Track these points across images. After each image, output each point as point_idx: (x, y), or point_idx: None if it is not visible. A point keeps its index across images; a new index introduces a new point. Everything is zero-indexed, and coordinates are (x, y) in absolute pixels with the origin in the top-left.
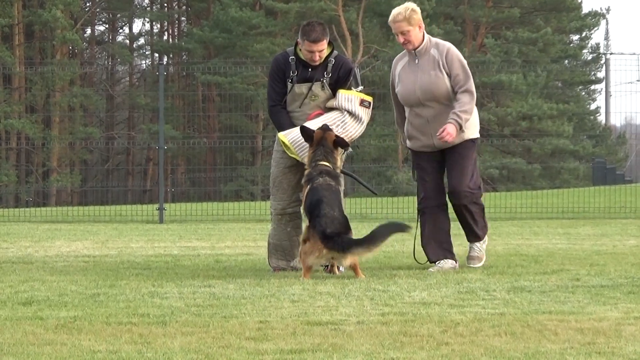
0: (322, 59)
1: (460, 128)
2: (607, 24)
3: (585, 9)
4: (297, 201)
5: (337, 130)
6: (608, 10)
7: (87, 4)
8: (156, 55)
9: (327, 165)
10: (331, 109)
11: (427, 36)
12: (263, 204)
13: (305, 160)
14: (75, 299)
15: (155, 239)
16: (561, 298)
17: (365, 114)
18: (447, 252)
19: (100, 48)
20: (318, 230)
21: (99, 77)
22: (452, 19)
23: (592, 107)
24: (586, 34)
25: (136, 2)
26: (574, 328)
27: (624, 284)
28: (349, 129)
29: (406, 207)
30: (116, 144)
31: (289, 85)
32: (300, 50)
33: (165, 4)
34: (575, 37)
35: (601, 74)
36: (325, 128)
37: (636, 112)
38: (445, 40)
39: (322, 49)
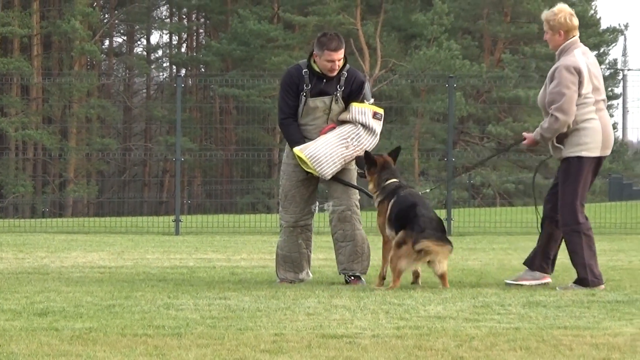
0: (338, 70)
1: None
2: (625, 40)
3: (604, 25)
4: (309, 214)
5: (353, 144)
6: (626, 26)
7: (106, 16)
8: (174, 67)
9: (396, 181)
10: (344, 122)
11: (566, 43)
12: (279, 217)
13: (324, 176)
14: (90, 310)
15: (171, 251)
16: (576, 313)
17: (378, 127)
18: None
19: (118, 60)
20: (417, 230)
21: (116, 89)
22: (470, 34)
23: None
24: (604, 49)
25: (154, 14)
26: (589, 343)
27: (639, 299)
28: (364, 142)
29: None
30: (133, 156)
31: (303, 98)
32: (314, 62)
33: (184, 16)
34: (593, 53)
35: (619, 90)
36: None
37: None
38: (464, 55)
39: (342, 57)
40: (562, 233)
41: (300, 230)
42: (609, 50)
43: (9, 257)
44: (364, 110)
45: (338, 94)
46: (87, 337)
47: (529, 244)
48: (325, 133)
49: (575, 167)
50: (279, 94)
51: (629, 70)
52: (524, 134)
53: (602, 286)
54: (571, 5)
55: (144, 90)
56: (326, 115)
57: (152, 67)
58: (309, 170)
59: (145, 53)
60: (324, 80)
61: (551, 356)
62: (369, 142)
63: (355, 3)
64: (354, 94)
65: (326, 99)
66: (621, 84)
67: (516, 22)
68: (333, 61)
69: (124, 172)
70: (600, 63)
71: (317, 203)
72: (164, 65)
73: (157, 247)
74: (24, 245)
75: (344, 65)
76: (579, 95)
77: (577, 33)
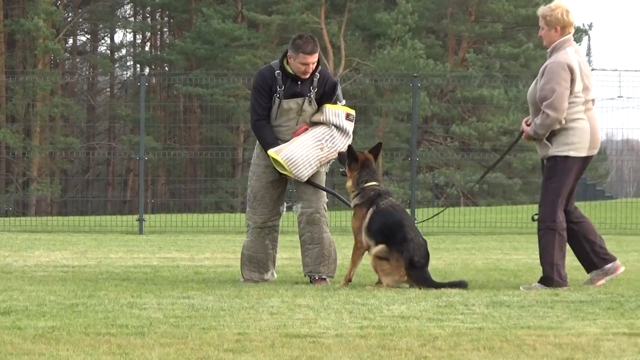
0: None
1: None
2: (589, 40)
3: None
4: (277, 215)
5: (327, 145)
6: (590, 26)
7: (70, 14)
8: (138, 66)
9: (376, 185)
10: (316, 123)
11: (559, 41)
12: (243, 216)
13: (300, 178)
14: (53, 309)
15: (135, 250)
16: (540, 313)
17: (351, 128)
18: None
19: (82, 58)
20: (405, 256)
21: (80, 88)
22: (435, 33)
23: None
24: None
25: (118, 13)
26: (552, 343)
27: (602, 299)
28: (338, 144)
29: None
30: (96, 155)
31: (277, 100)
32: (288, 64)
33: (148, 15)
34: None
35: None
36: (367, 151)
37: (617, 128)
38: (428, 54)
39: (316, 60)
40: (538, 228)
41: (268, 231)
42: None
43: None
44: (338, 112)
45: (311, 96)
46: (50, 336)
47: (493, 243)
48: (298, 135)
49: (561, 165)
50: (252, 96)
51: (592, 69)
52: (523, 126)
53: (566, 288)
54: (535, 5)
55: (108, 89)
56: (299, 117)
57: (116, 65)
58: (284, 172)
59: (109, 52)
60: (298, 82)
61: (515, 356)
62: (343, 144)
63: (320, 2)
64: (326, 95)
65: (300, 100)
66: None
67: (480, 21)
68: (307, 64)
69: (88, 171)
70: None
71: (285, 204)
72: (128, 64)
73: (121, 246)
74: None
75: (317, 67)
76: (570, 92)
77: (572, 30)
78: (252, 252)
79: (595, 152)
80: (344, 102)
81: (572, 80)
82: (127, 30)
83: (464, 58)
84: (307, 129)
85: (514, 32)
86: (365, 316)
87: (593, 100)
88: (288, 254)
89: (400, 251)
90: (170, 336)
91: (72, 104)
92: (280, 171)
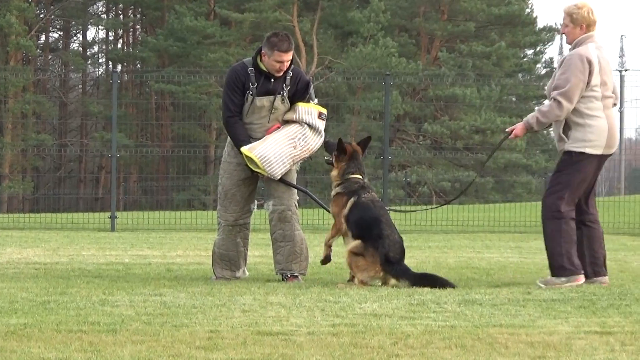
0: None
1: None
2: (561, 39)
3: (540, 24)
4: (248, 212)
5: (300, 144)
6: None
7: (42, 11)
8: (110, 63)
9: (360, 178)
10: (289, 121)
11: (581, 37)
12: (215, 214)
13: (274, 176)
14: (25, 306)
15: (107, 247)
16: (512, 311)
17: (322, 126)
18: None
19: (54, 55)
20: (381, 252)
21: (52, 84)
22: (407, 32)
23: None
24: (540, 48)
25: (91, 10)
26: (524, 341)
27: (574, 298)
28: (310, 142)
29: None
30: (69, 152)
31: (250, 97)
32: (262, 61)
33: (120, 12)
34: (530, 52)
35: None
36: (355, 143)
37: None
38: (400, 52)
39: (290, 59)
40: (542, 218)
41: (239, 229)
42: (545, 49)
43: None
44: (310, 111)
45: (284, 93)
46: (21, 333)
47: (465, 242)
48: (271, 133)
49: (576, 160)
50: (224, 92)
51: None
52: (508, 129)
53: (582, 277)
54: (507, 4)
55: (80, 86)
56: (271, 114)
57: (88, 62)
58: (257, 170)
59: (81, 49)
60: (271, 80)
61: (486, 354)
62: (315, 142)
63: (292, 0)
64: (299, 93)
65: (272, 98)
66: None
67: (453, 20)
68: (282, 62)
69: (60, 168)
70: (536, 62)
71: (256, 202)
72: (100, 61)
73: (93, 243)
74: None
75: (290, 64)
76: (587, 84)
77: (595, 29)
78: (224, 250)
79: (611, 151)
80: (316, 100)
81: (590, 73)
82: (100, 27)
83: (436, 57)
84: (279, 127)
85: (487, 31)
86: (338, 314)
87: (613, 98)
88: (260, 252)
89: (376, 247)
90: (142, 333)
91: (44, 101)
92: (253, 169)
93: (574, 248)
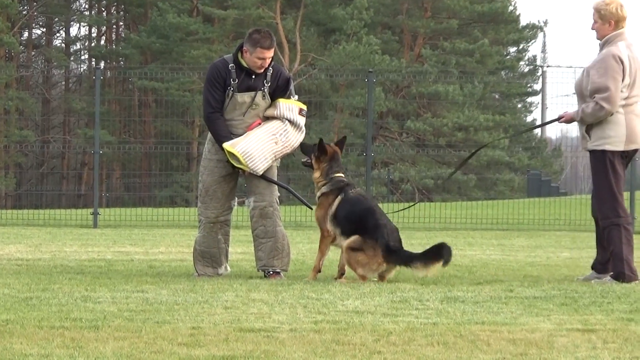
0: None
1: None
2: (544, 36)
3: (523, 22)
4: (229, 209)
5: (281, 140)
6: (545, 23)
7: (25, 7)
8: (93, 59)
9: (343, 177)
10: (269, 117)
11: (611, 34)
12: (198, 212)
13: (256, 171)
14: (7, 302)
15: (89, 244)
16: (494, 309)
17: (303, 122)
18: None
19: (37, 52)
20: (381, 243)
21: (35, 81)
22: (390, 29)
23: (529, 119)
24: (523, 46)
25: (74, 7)
26: (506, 339)
27: (557, 295)
28: (291, 138)
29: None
30: (51, 148)
31: (230, 93)
32: (243, 57)
33: (103, 9)
34: (513, 49)
35: (538, 86)
36: (334, 144)
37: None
38: (383, 50)
39: (272, 55)
40: (601, 226)
41: (220, 226)
42: (528, 46)
43: None
44: (291, 107)
45: (265, 89)
46: (3, 329)
47: (447, 239)
48: (252, 129)
49: (600, 160)
50: (205, 88)
51: (548, 66)
52: (562, 113)
53: (638, 281)
54: (491, 1)
55: (63, 83)
56: (252, 111)
57: (71, 59)
58: (239, 166)
59: (64, 45)
60: (251, 76)
61: (468, 351)
62: (296, 138)
63: None
64: (280, 89)
65: (253, 94)
66: (540, 80)
67: (436, 17)
68: (264, 59)
69: (43, 164)
70: (519, 60)
71: (237, 198)
72: (83, 57)
73: (75, 240)
74: None
75: (271, 61)
76: None
77: (625, 24)
78: (205, 247)
79: (635, 146)
80: (296, 97)
81: (623, 73)
82: (83, 23)
83: (419, 54)
84: (260, 124)
85: (470, 29)
86: (320, 311)
87: (638, 96)
88: (242, 249)
89: (375, 238)
90: (124, 330)
91: (27, 97)
92: (235, 165)
93: (632, 253)
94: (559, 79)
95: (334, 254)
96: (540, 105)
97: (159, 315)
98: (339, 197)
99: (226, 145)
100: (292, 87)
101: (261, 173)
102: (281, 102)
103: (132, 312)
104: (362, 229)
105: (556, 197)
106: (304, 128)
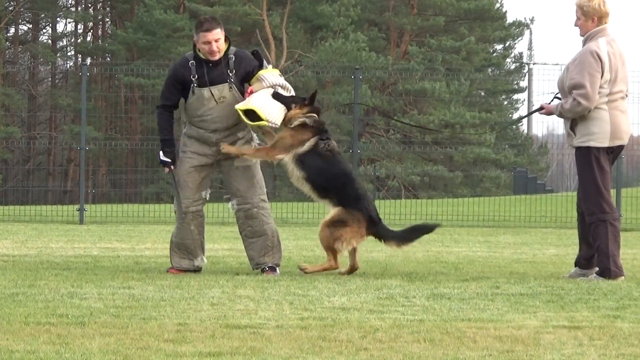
0: (222, 53)
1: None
2: (530, 34)
3: (510, 19)
4: (200, 200)
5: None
6: (532, 20)
7: (11, 3)
8: (79, 56)
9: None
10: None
11: (593, 30)
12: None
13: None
14: None
15: (75, 240)
16: (480, 305)
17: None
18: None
19: (24, 48)
20: (365, 214)
21: (21, 77)
22: (377, 26)
23: (515, 116)
24: (510, 43)
25: (60, 3)
26: (492, 336)
27: (543, 292)
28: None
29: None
30: (37, 144)
31: (195, 90)
32: (199, 50)
33: (90, 5)
34: (499, 47)
35: (524, 84)
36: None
37: (558, 122)
38: (370, 47)
39: (218, 38)
40: (587, 222)
41: (192, 217)
42: (514, 44)
43: None
44: (274, 73)
45: (232, 79)
46: None
47: (434, 236)
48: (250, 94)
49: (585, 156)
50: (165, 83)
51: (534, 64)
52: (542, 104)
53: (623, 277)
54: None
55: (49, 79)
56: (221, 105)
57: (58, 55)
58: (258, 123)
59: (50, 41)
60: (213, 65)
61: (455, 348)
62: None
63: None
64: (248, 75)
65: (220, 87)
66: (527, 77)
67: (422, 14)
68: (209, 42)
69: (29, 160)
70: (505, 57)
71: (209, 190)
72: (69, 53)
73: (61, 236)
74: None
75: (229, 47)
76: None
77: (608, 20)
78: (179, 239)
79: (619, 142)
80: (270, 65)
81: (601, 69)
82: (69, 20)
83: (406, 51)
84: (252, 92)
85: (456, 26)
86: (306, 307)
87: (622, 91)
88: (228, 245)
89: (360, 209)
90: (110, 326)
91: (13, 93)
92: (251, 124)
93: (618, 249)
94: (545, 76)
95: (319, 251)
96: (526, 102)
97: (145, 311)
98: (314, 140)
99: (239, 106)
100: (263, 59)
101: (279, 125)
102: (263, 73)
103: (118, 308)
104: (341, 196)
105: (542, 195)
106: (291, 89)
